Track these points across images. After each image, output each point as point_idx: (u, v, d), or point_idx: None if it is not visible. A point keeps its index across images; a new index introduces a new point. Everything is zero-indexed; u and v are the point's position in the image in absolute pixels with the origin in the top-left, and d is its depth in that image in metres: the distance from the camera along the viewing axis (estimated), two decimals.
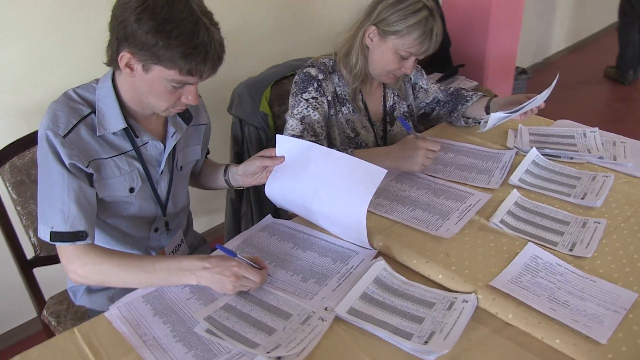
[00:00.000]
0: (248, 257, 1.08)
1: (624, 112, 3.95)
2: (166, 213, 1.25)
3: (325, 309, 1.01)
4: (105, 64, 1.10)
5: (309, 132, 1.44)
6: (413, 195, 1.33)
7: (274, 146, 1.45)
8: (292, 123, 1.45)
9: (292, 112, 1.46)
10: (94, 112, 1.09)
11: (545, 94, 1.39)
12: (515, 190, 1.28)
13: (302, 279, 1.10)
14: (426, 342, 0.91)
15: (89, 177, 1.08)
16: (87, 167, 1.06)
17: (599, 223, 1.17)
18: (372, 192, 1.11)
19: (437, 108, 1.75)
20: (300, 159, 1.22)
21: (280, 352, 0.89)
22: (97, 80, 1.13)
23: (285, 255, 1.18)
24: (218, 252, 1.10)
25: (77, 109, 1.08)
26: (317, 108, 1.47)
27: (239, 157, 1.80)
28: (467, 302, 0.99)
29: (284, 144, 1.24)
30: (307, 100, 1.46)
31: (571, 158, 1.46)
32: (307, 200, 1.23)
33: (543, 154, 1.45)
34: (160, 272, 1.05)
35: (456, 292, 1.03)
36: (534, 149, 1.45)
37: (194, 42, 0.96)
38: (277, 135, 1.25)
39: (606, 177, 1.34)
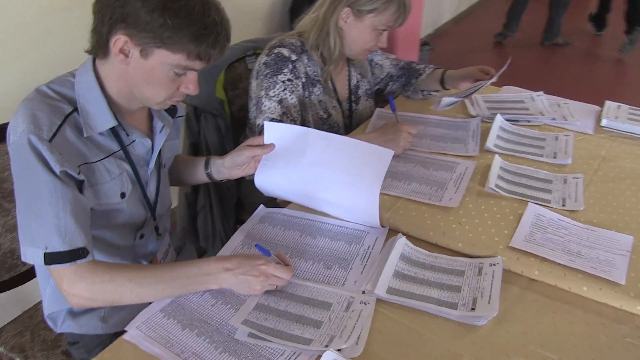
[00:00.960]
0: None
1: (516, 75, 4.36)
2: (156, 216, 1.15)
3: (363, 292, 1.01)
4: (87, 51, 0.97)
5: (288, 116, 1.40)
6: (403, 169, 1.36)
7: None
8: (269, 105, 1.39)
9: (267, 94, 1.40)
10: (75, 110, 0.96)
11: (498, 74, 1.49)
12: (497, 155, 1.37)
13: (325, 266, 1.08)
14: (473, 309, 0.95)
15: (80, 184, 0.96)
16: (78, 173, 0.94)
17: (577, 178, 1.30)
18: (382, 174, 1.11)
19: (390, 83, 1.80)
20: (293, 145, 1.19)
21: (338, 343, 0.88)
22: (72, 74, 0.99)
23: (297, 245, 1.15)
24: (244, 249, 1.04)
25: (58, 107, 0.94)
26: (294, 91, 1.43)
27: (195, 148, 1.70)
28: (495, 265, 1.05)
29: (273, 130, 1.19)
30: (283, 82, 1.42)
31: (529, 121, 1.60)
32: (309, 187, 1.20)
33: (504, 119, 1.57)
34: (178, 280, 0.97)
35: (479, 257, 1.08)
36: (499, 115, 1.55)
37: (205, 22, 0.88)
38: (265, 122, 1.20)
39: (567, 136, 1.49)
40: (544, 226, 1.13)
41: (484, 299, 0.97)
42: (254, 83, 1.52)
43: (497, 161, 1.35)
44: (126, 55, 0.91)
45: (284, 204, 1.32)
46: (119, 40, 0.89)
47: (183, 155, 1.34)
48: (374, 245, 1.14)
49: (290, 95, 1.41)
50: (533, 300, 0.99)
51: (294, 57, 1.45)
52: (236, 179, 1.69)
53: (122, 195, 1.04)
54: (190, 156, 1.35)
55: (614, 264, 1.03)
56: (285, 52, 1.44)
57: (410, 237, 1.14)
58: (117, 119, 0.99)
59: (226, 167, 1.23)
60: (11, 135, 0.92)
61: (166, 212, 1.22)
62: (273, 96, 1.40)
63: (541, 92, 1.73)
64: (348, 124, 1.66)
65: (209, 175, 1.26)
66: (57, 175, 0.90)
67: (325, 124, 1.56)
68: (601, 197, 1.24)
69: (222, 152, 1.67)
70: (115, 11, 0.87)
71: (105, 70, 0.97)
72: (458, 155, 1.42)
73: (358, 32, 1.46)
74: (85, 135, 0.96)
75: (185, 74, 0.96)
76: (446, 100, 1.50)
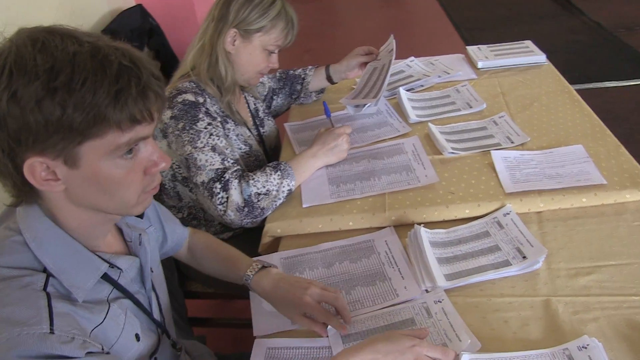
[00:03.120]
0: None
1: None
2: (169, 333, 1.00)
3: (427, 291, 1.04)
4: (14, 205, 0.77)
5: (228, 161, 1.33)
6: (363, 168, 1.41)
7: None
8: (205, 157, 1.30)
9: (196, 147, 1.31)
10: (47, 275, 0.74)
11: (393, 51, 1.61)
12: (429, 123, 1.51)
13: (367, 287, 1.09)
14: (524, 257, 1.06)
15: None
16: (102, 349, 0.75)
17: (502, 117, 1.50)
18: None
19: (274, 97, 1.82)
20: None
21: (456, 347, 0.91)
22: (12, 230, 0.76)
23: (324, 280, 1.12)
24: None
25: (29, 285, 0.72)
26: (219, 134, 1.36)
27: None
28: (508, 214, 1.17)
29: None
30: (205, 128, 1.34)
31: (422, 85, 1.78)
32: None
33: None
34: None
35: (488, 214, 1.20)
36: (400, 89, 1.70)
37: (112, 73, 0.68)
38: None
39: (464, 86, 1.70)
40: (515, 165, 1.30)
41: (525, 245, 1.09)
42: (162, 143, 1.40)
43: (433, 128, 1.49)
44: (54, 179, 0.71)
45: (269, 249, 1.27)
46: (32, 167, 0.69)
47: (212, 241, 1.22)
48: (389, 248, 1.17)
49: (218, 139, 1.34)
50: (553, 228, 1.15)
51: (200, 100, 1.37)
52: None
53: (137, 337, 0.86)
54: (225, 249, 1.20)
55: (587, 171, 1.24)
56: (190, 97, 1.36)
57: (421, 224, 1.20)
58: (102, 259, 0.81)
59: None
60: None
61: (170, 319, 1.07)
62: (203, 147, 1.31)
63: (412, 57, 1.93)
64: (263, 149, 1.64)
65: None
66: None
67: (251, 157, 1.52)
68: (531, 124, 1.47)
69: None
70: (1, 137, 0.67)
71: (49, 210, 0.76)
72: (394, 137, 1.52)
73: (248, 54, 1.44)
74: (80, 301, 0.76)
75: (138, 148, 0.76)
76: (367, 107, 1.60)
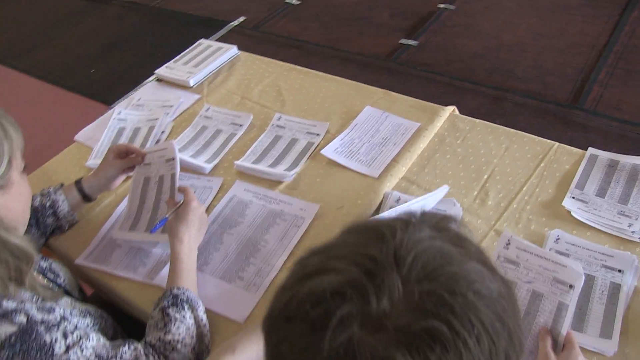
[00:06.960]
0: None
1: None
2: None
3: None
4: None
5: (119, 350, 1.05)
6: (236, 245, 1.31)
7: None
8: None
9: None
10: None
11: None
12: (235, 162, 1.48)
13: None
14: (445, 211, 1.28)
15: None
16: None
17: (279, 118, 1.60)
18: None
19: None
20: None
21: None
22: None
23: None
24: None
25: None
26: (81, 335, 1.03)
27: None
28: (399, 199, 1.34)
29: None
30: (68, 347, 1.00)
31: (163, 132, 1.66)
32: None
33: None
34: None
35: (381, 202, 1.35)
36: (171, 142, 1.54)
37: None
38: None
39: (207, 110, 1.68)
40: (348, 151, 1.46)
41: (432, 200, 1.30)
42: None
43: (242, 164, 1.46)
44: None
45: None
46: None
47: None
48: None
49: (87, 340, 1.03)
50: (424, 178, 1.38)
51: (22, 318, 0.97)
52: None
53: None
54: None
55: (399, 124, 1.51)
56: (8, 328, 0.94)
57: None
58: None
59: None
60: None
61: None
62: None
63: (116, 109, 1.74)
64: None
65: None
66: None
67: (102, 322, 1.19)
68: (306, 113, 1.62)
69: None
70: None
71: None
72: (214, 197, 1.44)
73: (7, 206, 1.05)
74: None
75: None
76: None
